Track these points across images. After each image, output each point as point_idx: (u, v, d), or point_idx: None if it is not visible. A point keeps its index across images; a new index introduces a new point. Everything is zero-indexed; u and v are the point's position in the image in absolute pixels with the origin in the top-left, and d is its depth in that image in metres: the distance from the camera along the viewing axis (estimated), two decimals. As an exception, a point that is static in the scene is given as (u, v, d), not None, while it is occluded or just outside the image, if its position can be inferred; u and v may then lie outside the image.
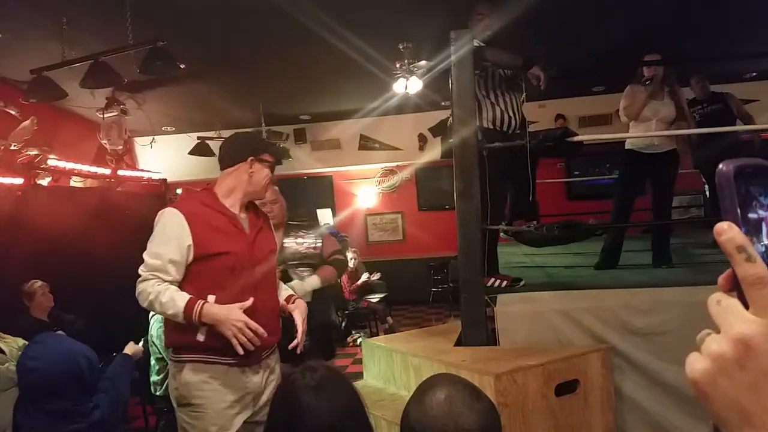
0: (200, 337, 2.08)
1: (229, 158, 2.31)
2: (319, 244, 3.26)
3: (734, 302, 0.43)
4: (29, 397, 1.93)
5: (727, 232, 0.42)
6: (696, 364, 0.43)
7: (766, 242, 0.44)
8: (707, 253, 4.34)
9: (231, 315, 2.03)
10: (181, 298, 2.05)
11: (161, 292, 2.05)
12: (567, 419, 2.42)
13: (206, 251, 2.12)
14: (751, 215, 0.43)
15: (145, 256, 2.12)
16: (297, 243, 3.22)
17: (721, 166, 0.44)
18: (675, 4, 4.99)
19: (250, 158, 2.27)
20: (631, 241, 4.39)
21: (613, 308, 2.81)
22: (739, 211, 0.43)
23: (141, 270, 2.11)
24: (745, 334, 0.41)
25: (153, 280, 2.08)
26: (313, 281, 3.14)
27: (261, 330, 2.04)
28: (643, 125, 3.90)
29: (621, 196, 4.01)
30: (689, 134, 4.14)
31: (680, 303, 2.71)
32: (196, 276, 2.13)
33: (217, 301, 2.07)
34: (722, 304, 0.43)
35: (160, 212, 2.20)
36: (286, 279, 2.95)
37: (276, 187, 3.21)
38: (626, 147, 4.01)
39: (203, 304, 2.04)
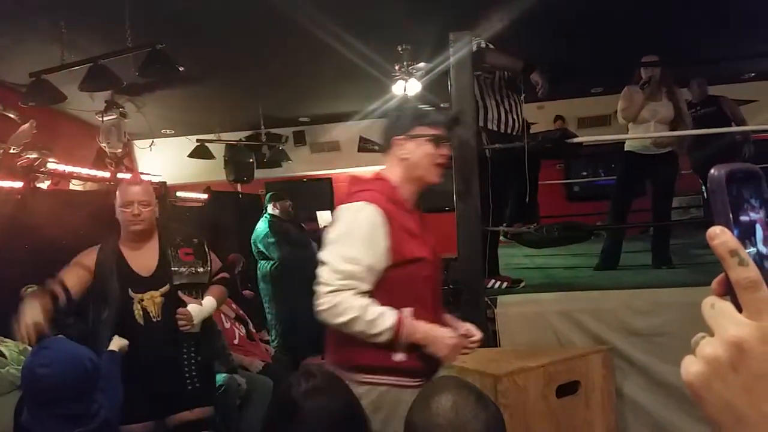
0: (400, 357, 1.74)
1: (383, 142, 1.97)
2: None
3: (728, 305, 0.43)
4: (38, 402, 1.92)
5: (720, 236, 0.43)
6: (690, 366, 0.43)
7: (758, 246, 0.44)
8: (707, 253, 4.28)
9: (443, 332, 1.76)
10: (389, 313, 1.70)
11: (365, 306, 1.68)
12: (568, 421, 2.41)
13: (403, 257, 1.79)
14: (743, 218, 0.44)
15: (331, 259, 1.73)
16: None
17: (712, 171, 0.44)
18: (673, 3, 4.99)
19: (396, 139, 1.91)
20: (630, 242, 4.40)
21: (614, 309, 2.81)
22: (731, 215, 0.43)
23: (329, 278, 1.70)
24: (738, 337, 0.41)
25: (349, 291, 1.69)
26: (210, 303, 2.62)
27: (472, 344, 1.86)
28: (642, 127, 3.90)
29: (619, 197, 4.01)
30: (684, 136, 4.14)
31: (680, 304, 2.71)
32: (389, 287, 1.77)
33: (414, 316, 1.77)
34: (716, 308, 0.43)
35: (344, 206, 1.81)
36: (179, 302, 2.53)
37: (150, 188, 2.82)
38: (625, 149, 4.01)
39: (414, 319, 1.73)
